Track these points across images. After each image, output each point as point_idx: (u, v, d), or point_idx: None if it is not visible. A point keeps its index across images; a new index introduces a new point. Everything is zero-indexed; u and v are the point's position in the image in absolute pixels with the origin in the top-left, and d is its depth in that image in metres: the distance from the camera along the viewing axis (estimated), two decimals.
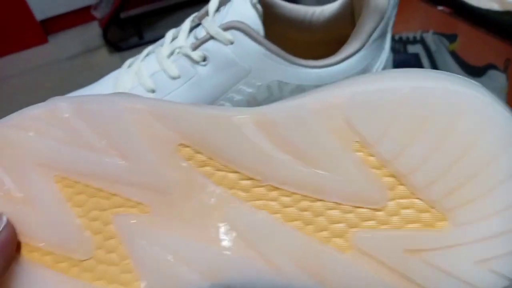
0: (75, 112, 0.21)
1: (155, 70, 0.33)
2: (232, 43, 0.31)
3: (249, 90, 0.32)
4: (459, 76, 0.20)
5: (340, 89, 0.20)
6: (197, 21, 0.34)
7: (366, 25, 0.32)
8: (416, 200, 0.19)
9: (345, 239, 0.20)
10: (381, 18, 0.32)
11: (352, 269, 0.19)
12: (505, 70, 0.49)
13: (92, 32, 0.83)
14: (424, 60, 0.56)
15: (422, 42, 0.59)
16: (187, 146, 0.21)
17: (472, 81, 0.19)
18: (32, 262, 0.21)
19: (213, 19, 0.32)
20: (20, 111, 0.22)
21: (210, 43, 0.31)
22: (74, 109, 0.21)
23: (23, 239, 0.21)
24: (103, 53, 0.73)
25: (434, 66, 0.56)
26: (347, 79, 0.20)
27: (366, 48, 0.33)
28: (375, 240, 0.19)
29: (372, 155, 0.19)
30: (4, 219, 0.21)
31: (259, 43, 0.31)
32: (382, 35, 0.34)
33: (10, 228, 0.21)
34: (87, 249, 0.21)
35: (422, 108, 0.19)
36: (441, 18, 0.66)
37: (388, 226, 0.20)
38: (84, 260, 0.21)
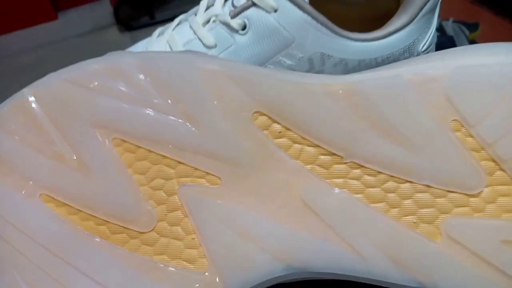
0: (141, 68, 0.19)
1: (189, 38, 0.31)
2: (275, 10, 0.29)
3: (289, 62, 0.31)
4: None
5: (442, 61, 0.18)
6: None
7: None
8: None
9: (435, 225, 0.18)
10: None
11: (441, 258, 0.18)
12: None
13: (103, 10, 0.80)
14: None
15: (441, 30, 0.57)
16: (264, 115, 0.19)
17: None
18: (85, 231, 0.19)
19: None
20: (77, 65, 0.20)
21: (252, 10, 0.29)
22: (140, 65, 0.19)
23: (75, 205, 0.19)
24: (114, 32, 0.71)
25: None
26: (448, 51, 0.19)
27: (416, 23, 0.31)
28: (468, 229, 0.18)
29: (471, 136, 0.18)
30: None
31: (305, 11, 0.28)
32: (432, 10, 0.32)
33: None
34: (148, 220, 0.19)
35: None
36: (463, 5, 0.63)
37: (483, 214, 0.18)
38: (145, 232, 0.19)
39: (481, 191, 0.18)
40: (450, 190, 0.18)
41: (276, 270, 0.19)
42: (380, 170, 0.19)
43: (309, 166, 0.19)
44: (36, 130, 0.19)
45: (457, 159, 0.18)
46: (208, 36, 0.30)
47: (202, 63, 0.19)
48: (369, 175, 0.19)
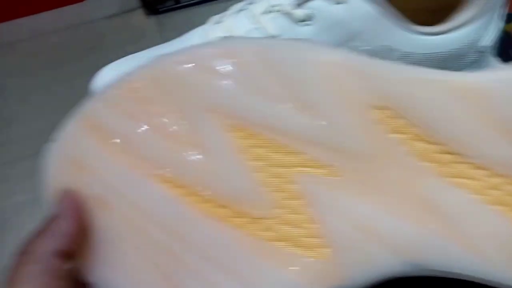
0: (258, 55, 0.19)
1: (248, 28, 0.30)
2: (344, 1, 0.27)
3: None
4: None
5: None
6: None
7: None
8: None
9: None
10: None
11: None
12: None
13: None
14: None
15: None
16: (386, 109, 0.19)
17: None
18: (203, 213, 0.19)
19: None
20: (191, 48, 0.20)
21: (318, 1, 0.28)
22: (257, 52, 0.19)
23: (193, 187, 0.19)
24: (140, 15, 0.70)
25: None
26: None
27: (483, 15, 0.29)
28: None
29: None
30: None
31: (377, 3, 0.27)
32: (498, 1, 0.30)
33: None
34: (266, 206, 0.19)
35: None
36: None
37: None
38: (263, 218, 0.19)
39: None
40: None
41: (397, 267, 0.18)
42: (503, 173, 0.19)
43: (429, 164, 0.19)
44: (152, 111, 0.19)
45: None
46: (269, 25, 0.29)
47: (318, 54, 0.19)
48: (492, 177, 0.19)
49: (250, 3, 0.32)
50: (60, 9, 0.78)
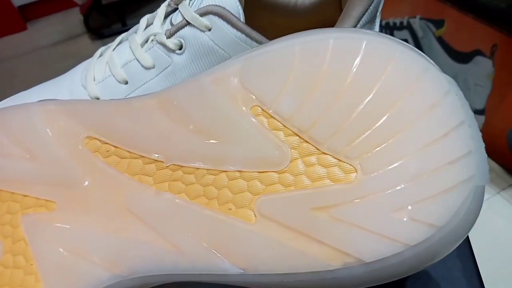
0: None
1: (128, 59, 0.30)
2: (209, 29, 0.28)
3: None
4: (350, 29, 0.19)
5: (235, 59, 0.20)
6: (173, 6, 0.30)
7: (354, 10, 0.28)
8: (322, 156, 0.18)
9: (250, 208, 0.18)
10: (371, 1, 0.28)
11: (258, 239, 0.17)
12: (491, 56, 0.46)
13: (73, 18, 0.75)
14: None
15: (409, 28, 0.57)
16: (94, 138, 0.21)
17: (365, 30, 0.19)
18: None
19: (189, 4, 0.29)
20: None
21: (186, 29, 0.28)
22: None
23: None
24: (85, 41, 0.69)
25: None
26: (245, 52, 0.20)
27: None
28: (279, 204, 0.18)
29: (271, 117, 0.18)
30: None
31: (239, 29, 0.27)
32: (371, 20, 0.30)
33: None
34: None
35: (313, 60, 0.18)
36: (428, 3, 0.63)
37: (295, 187, 0.18)
38: None
39: (289, 165, 0.18)
40: (262, 170, 0.18)
41: (103, 280, 0.18)
42: (198, 166, 0.19)
43: (136, 177, 0.20)
44: None
45: (261, 141, 0.18)
46: (146, 57, 0.29)
47: (39, 105, 0.21)
48: (188, 173, 0.19)
49: (133, 33, 0.32)
50: (0, 40, 0.77)
